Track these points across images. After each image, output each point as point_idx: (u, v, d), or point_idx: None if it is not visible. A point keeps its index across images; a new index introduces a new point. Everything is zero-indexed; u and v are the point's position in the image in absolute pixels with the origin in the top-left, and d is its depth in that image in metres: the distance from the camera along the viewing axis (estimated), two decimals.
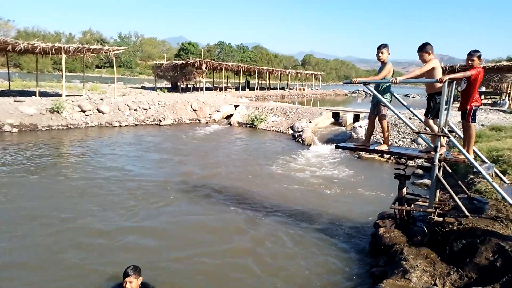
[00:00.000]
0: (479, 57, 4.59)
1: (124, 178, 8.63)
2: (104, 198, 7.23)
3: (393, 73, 5.18)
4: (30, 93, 20.13)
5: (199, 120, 19.78)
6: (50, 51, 18.80)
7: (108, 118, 16.95)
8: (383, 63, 5.07)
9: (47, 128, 14.81)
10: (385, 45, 5.04)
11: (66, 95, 19.00)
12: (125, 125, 17.00)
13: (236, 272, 4.82)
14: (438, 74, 4.72)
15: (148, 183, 8.28)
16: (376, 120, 5.39)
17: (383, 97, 5.00)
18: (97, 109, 16.98)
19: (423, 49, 4.77)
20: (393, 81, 4.77)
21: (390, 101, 5.22)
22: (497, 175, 4.98)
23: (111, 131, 15.55)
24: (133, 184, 8.21)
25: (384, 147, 5.29)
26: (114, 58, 21.95)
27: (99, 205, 6.86)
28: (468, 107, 4.67)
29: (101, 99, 18.80)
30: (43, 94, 20.40)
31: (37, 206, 6.72)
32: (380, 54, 5.02)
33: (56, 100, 16.34)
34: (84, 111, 16.49)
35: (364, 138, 12.90)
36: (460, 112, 4.93)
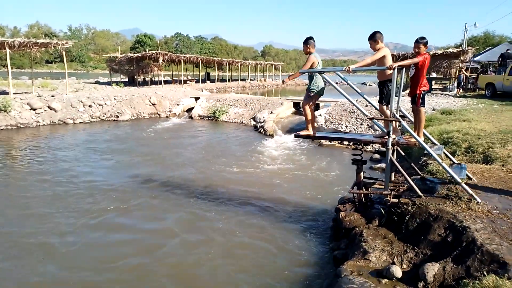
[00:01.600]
0: (425, 44, 4.82)
1: (77, 181, 8.15)
2: (54, 203, 6.84)
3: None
4: None
5: (158, 114, 19.33)
6: None
7: (60, 116, 16.13)
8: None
9: None
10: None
11: (14, 93, 17.82)
12: (80, 122, 16.27)
13: (196, 267, 4.79)
14: (389, 61, 4.91)
15: (103, 186, 7.92)
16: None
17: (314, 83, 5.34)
18: (49, 107, 16.11)
19: (373, 37, 4.98)
20: (346, 69, 4.88)
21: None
22: (446, 156, 5.26)
23: (65, 129, 14.83)
24: (87, 188, 7.79)
25: (306, 132, 5.50)
26: (64, 52, 20.81)
27: (49, 209, 6.50)
28: (418, 92, 4.90)
29: (52, 96, 17.82)
30: None
31: None
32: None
33: (2, 98, 15.30)
34: (34, 109, 15.59)
35: (325, 127, 13.25)
36: (410, 98, 5.16)
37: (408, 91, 5.28)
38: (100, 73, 65.45)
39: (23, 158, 10.07)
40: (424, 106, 5.08)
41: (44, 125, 15.33)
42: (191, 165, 9.78)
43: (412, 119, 5.36)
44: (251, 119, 17.26)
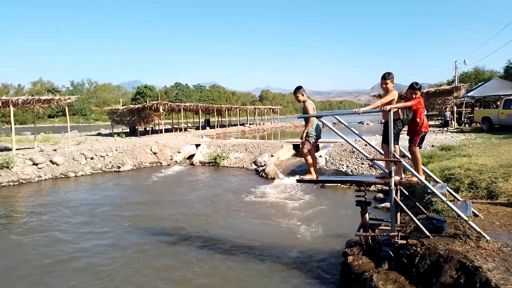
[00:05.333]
0: (415, 90, 4.98)
1: (80, 240, 8.06)
2: (57, 267, 6.72)
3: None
4: None
5: (160, 162, 19.40)
6: None
7: (62, 169, 16.19)
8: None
9: None
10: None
11: (17, 149, 18.04)
12: (82, 175, 16.28)
13: None
14: (395, 103, 5.00)
15: (106, 247, 7.84)
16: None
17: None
18: (51, 161, 16.21)
19: (387, 78, 5.04)
20: (357, 111, 4.91)
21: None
22: (450, 193, 5.23)
23: (66, 183, 14.81)
24: (92, 248, 7.73)
25: (309, 176, 5.48)
26: (66, 107, 21.33)
27: (51, 271, 6.37)
28: (416, 134, 5.01)
29: (55, 150, 18.01)
30: None
31: None
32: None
33: (5, 155, 15.46)
34: (36, 164, 15.67)
35: (326, 168, 13.25)
36: (408, 137, 5.23)
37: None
38: (102, 124, 66.54)
39: (22, 217, 9.97)
40: (421, 147, 5.18)
41: (46, 179, 15.33)
42: (194, 212, 9.65)
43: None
44: (252, 163, 17.29)
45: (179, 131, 34.76)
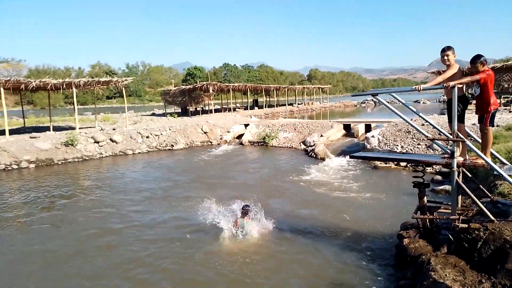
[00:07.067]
0: (482, 63, 4.51)
1: (145, 210, 8.63)
2: (122, 237, 7.18)
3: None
4: (45, 129, 20.62)
5: (210, 142, 19.91)
6: (61, 86, 19.35)
7: (121, 147, 17.18)
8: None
9: (63, 162, 15.06)
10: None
11: (79, 128, 19.39)
12: (139, 153, 17.20)
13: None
14: (458, 78, 4.63)
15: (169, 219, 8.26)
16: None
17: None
18: (110, 139, 17.25)
19: (446, 51, 4.69)
20: (417, 88, 4.66)
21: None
22: None
23: (125, 160, 15.73)
24: (146, 223, 8.19)
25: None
26: (123, 89, 22.42)
27: (116, 243, 6.83)
28: (488, 111, 4.57)
29: (114, 129, 19.13)
30: (57, 129, 20.87)
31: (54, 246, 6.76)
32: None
33: (70, 133, 16.69)
34: (97, 142, 16.76)
35: (378, 149, 12.80)
36: (477, 117, 4.83)
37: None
38: (155, 105, 69.28)
39: (89, 190, 10.80)
40: (493, 126, 4.73)
41: (107, 156, 16.38)
42: (246, 191, 9.81)
43: (477, 138, 5.04)
44: (301, 143, 17.18)
45: (228, 111, 35.27)
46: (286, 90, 50.21)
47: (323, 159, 13.92)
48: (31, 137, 16.05)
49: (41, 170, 13.79)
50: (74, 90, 19.58)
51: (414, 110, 5.11)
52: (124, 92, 23.23)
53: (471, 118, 12.25)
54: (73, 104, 20.94)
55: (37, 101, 68.59)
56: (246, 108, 40.31)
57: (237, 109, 38.42)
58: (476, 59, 4.54)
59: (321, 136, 16.80)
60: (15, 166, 13.93)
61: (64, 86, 19.34)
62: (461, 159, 4.66)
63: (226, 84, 38.84)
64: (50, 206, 8.99)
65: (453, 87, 4.34)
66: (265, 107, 44.01)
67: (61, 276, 5.39)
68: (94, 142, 16.74)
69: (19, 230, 7.43)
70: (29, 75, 73.48)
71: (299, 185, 10.18)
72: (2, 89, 16.76)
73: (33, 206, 9.02)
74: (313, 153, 14.92)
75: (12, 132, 18.25)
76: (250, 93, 43.72)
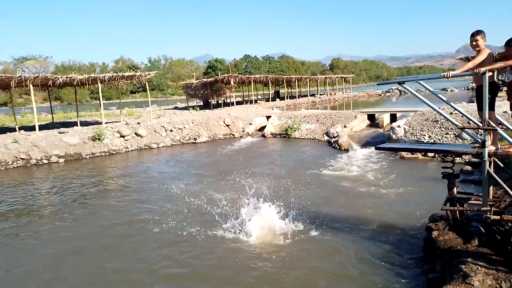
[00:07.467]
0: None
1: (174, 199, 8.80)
2: (146, 230, 7.33)
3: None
4: (72, 124, 21.24)
5: (232, 134, 20.00)
6: (87, 82, 19.83)
7: (146, 141, 17.52)
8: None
9: (91, 156, 15.51)
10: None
11: (106, 123, 19.88)
12: (163, 146, 17.49)
13: (278, 277, 4.74)
14: (488, 65, 4.43)
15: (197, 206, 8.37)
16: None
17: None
18: (135, 133, 17.61)
19: (476, 35, 4.48)
20: (446, 75, 4.50)
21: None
22: None
23: (150, 153, 16.04)
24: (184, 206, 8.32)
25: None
26: (146, 83, 22.78)
27: (141, 236, 7.00)
28: None
29: (138, 123, 19.51)
30: (84, 124, 21.46)
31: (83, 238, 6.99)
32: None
33: (96, 128, 17.14)
34: (123, 136, 17.15)
35: (404, 139, 12.51)
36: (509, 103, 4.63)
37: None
38: (178, 99, 70.13)
39: (117, 183, 11.09)
40: None
41: (132, 150, 16.75)
42: (271, 182, 9.80)
43: (509, 126, 4.81)
44: (324, 135, 17.00)
45: (250, 103, 35.27)
46: (308, 80, 49.70)
47: (347, 151, 13.74)
48: (59, 132, 16.58)
49: (70, 164, 14.25)
50: (100, 85, 20.05)
51: (444, 98, 4.93)
52: (147, 86, 23.62)
53: (502, 105, 11.76)
54: (99, 99, 21.46)
55: (63, 97, 70.76)
56: (267, 100, 40.18)
57: (258, 101, 38.36)
58: (509, 43, 4.32)
59: (345, 127, 16.56)
60: (45, 161, 14.45)
61: (90, 81, 19.81)
62: (492, 148, 4.48)
63: (247, 76, 38.80)
64: (80, 199, 9.29)
65: (484, 73, 4.16)
66: (287, 98, 43.73)
67: (90, 266, 5.58)
68: (120, 137, 17.13)
69: (52, 221, 7.72)
70: (56, 71, 75.90)
71: (323, 178, 10.09)
72: (31, 86, 17.36)
73: (64, 199, 9.35)
74: (336, 145, 14.74)
75: (41, 127, 18.90)
76: (271, 84, 43.52)
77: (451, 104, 5.03)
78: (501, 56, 17.09)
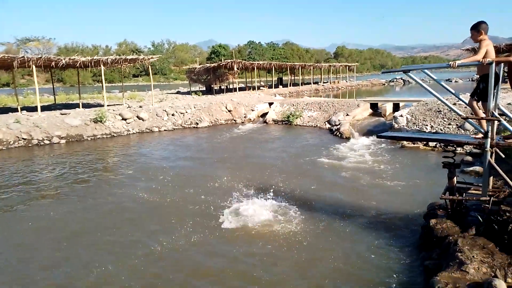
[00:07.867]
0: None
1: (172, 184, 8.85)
2: (143, 212, 7.43)
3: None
4: (74, 106, 21.23)
5: (234, 120, 19.97)
6: (90, 64, 19.73)
7: (148, 124, 17.52)
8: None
9: (92, 138, 15.55)
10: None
11: (107, 105, 19.84)
12: (164, 130, 17.50)
13: (279, 269, 4.81)
14: (491, 55, 4.43)
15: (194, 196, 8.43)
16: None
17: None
18: (137, 116, 17.61)
19: (477, 27, 4.49)
20: (452, 64, 4.50)
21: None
22: None
23: (151, 137, 16.07)
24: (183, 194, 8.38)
25: None
26: (149, 66, 22.66)
27: (139, 217, 7.07)
28: None
29: (140, 107, 19.48)
30: (86, 106, 21.45)
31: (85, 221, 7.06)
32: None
33: (98, 110, 17.12)
34: (125, 119, 17.15)
35: (407, 128, 12.49)
36: None
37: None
38: (180, 83, 69.80)
39: (118, 165, 11.16)
40: None
41: (134, 133, 16.78)
42: (271, 169, 9.86)
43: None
44: (326, 122, 16.97)
45: (252, 90, 35.10)
46: (312, 68, 49.29)
47: (348, 139, 13.73)
48: (61, 114, 16.59)
49: (71, 145, 14.30)
50: (102, 67, 19.95)
51: (449, 88, 4.90)
52: (150, 70, 23.48)
53: (506, 97, 11.69)
54: (101, 81, 21.39)
55: (66, 79, 70.41)
56: (270, 87, 39.95)
57: (261, 88, 38.17)
58: None
59: (347, 115, 16.51)
60: (47, 142, 14.50)
61: (93, 63, 19.71)
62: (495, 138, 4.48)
63: (251, 62, 38.50)
64: (80, 180, 9.36)
65: (492, 63, 4.14)
66: (290, 85, 43.48)
67: (88, 245, 5.65)
68: (122, 119, 17.13)
69: (53, 201, 7.80)
70: (59, 53, 75.43)
71: (323, 165, 10.11)
72: (34, 67, 17.28)
73: (65, 179, 9.42)
74: (338, 133, 14.73)
75: (44, 108, 18.89)
76: (274, 71, 43.20)
77: (457, 95, 5.00)
78: (508, 48, 16.92)
